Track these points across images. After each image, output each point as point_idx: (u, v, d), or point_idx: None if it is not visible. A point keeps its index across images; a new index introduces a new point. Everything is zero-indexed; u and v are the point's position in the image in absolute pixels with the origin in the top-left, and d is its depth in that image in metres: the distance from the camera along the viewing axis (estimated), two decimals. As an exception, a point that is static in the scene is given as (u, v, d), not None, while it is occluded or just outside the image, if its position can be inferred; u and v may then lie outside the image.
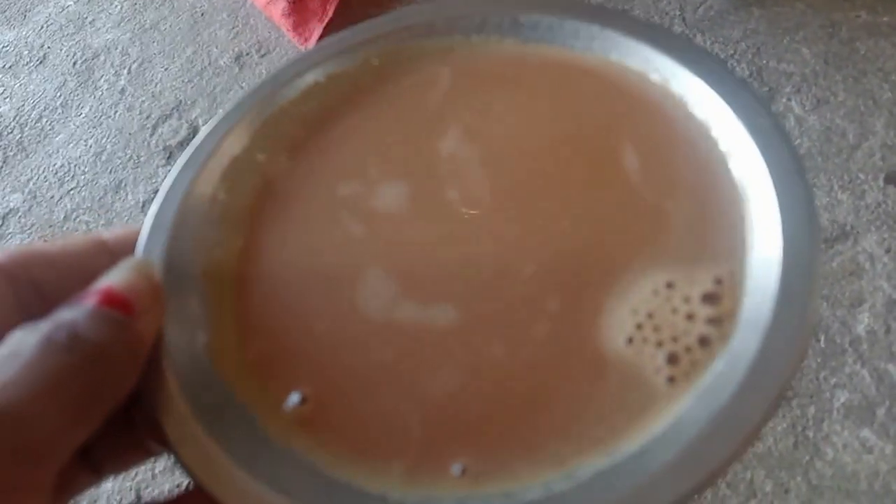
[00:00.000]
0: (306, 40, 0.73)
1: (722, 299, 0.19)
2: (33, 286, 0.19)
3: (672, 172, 0.22)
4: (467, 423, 0.19)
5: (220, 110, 0.25)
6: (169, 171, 0.24)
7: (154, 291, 0.19)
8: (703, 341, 0.19)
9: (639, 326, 0.19)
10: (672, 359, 0.19)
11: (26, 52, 0.84)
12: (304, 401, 0.20)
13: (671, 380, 0.18)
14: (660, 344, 0.19)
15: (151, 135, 0.72)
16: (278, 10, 0.73)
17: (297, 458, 0.19)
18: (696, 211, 0.21)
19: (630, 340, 0.19)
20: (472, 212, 0.23)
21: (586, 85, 0.24)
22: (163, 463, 0.51)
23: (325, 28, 0.73)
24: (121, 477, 0.51)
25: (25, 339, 0.16)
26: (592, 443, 0.18)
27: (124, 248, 0.21)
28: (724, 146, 0.22)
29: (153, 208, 0.22)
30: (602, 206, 0.22)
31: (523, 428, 0.19)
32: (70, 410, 0.16)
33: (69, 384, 0.16)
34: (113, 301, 0.18)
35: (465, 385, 0.20)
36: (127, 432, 0.20)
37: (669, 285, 0.20)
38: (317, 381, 0.20)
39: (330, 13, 0.73)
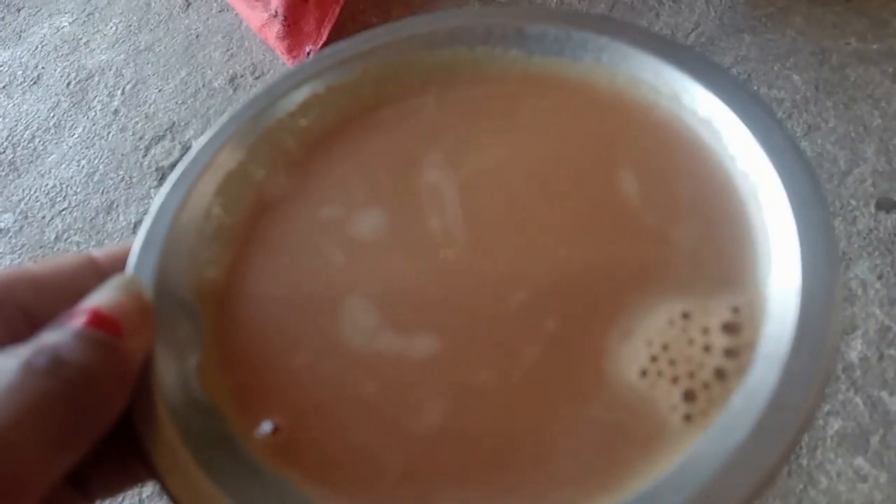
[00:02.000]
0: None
1: (740, 330, 0.18)
2: (20, 309, 0.19)
3: (679, 194, 0.21)
4: (454, 462, 0.18)
5: (215, 122, 0.24)
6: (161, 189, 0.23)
7: (143, 311, 0.19)
8: (720, 375, 0.18)
9: (653, 359, 0.19)
10: (689, 396, 0.18)
11: (20, 73, 0.84)
12: (275, 430, 0.19)
13: (687, 418, 0.18)
14: (675, 380, 0.18)
15: (144, 156, 0.72)
16: (273, 32, 0.74)
17: (288, 491, 0.18)
18: (706, 236, 0.20)
19: (644, 373, 0.18)
20: (461, 238, 0.22)
21: (590, 103, 0.24)
22: (150, 488, 0.50)
23: (319, 52, 0.73)
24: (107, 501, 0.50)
25: (5, 365, 0.16)
26: (597, 483, 0.17)
27: (115, 266, 0.21)
28: (739, 165, 0.21)
29: (145, 224, 0.22)
30: (604, 231, 0.21)
31: (515, 466, 0.18)
32: (53, 437, 0.15)
33: (51, 410, 0.15)
34: (100, 322, 0.17)
35: (450, 419, 0.19)
36: (116, 456, 0.19)
37: (685, 315, 0.19)
38: (291, 413, 0.20)
39: (324, 36, 0.73)
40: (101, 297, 0.18)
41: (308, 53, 0.73)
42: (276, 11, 0.72)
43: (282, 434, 0.19)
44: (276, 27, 0.73)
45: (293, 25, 0.73)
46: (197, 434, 0.18)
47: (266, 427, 0.19)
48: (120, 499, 0.51)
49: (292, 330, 0.21)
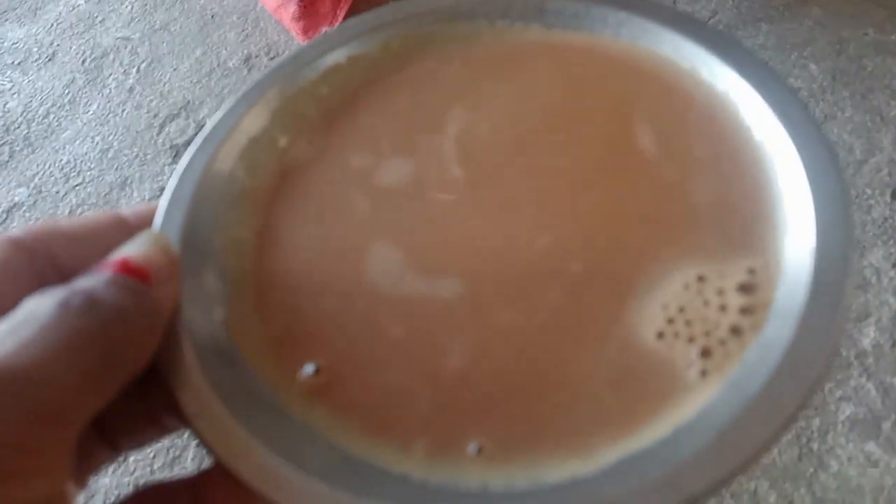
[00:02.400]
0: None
1: (756, 290, 0.19)
2: (51, 261, 0.19)
3: (696, 153, 0.22)
4: (478, 402, 0.19)
5: (240, 89, 0.24)
6: (177, 164, 0.23)
7: (171, 263, 0.19)
8: (735, 331, 0.18)
9: (670, 321, 0.19)
10: (705, 352, 0.18)
11: (36, 49, 0.84)
12: (317, 371, 0.20)
13: (703, 373, 0.18)
14: (692, 339, 0.19)
15: (158, 133, 0.72)
16: (288, 13, 0.74)
17: (315, 434, 0.19)
18: (722, 197, 0.21)
19: (661, 335, 0.19)
20: (485, 187, 0.22)
21: (609, 70, 0.24)
22: (161, 458, 0.51)
23: (342, 23, 0.73)
24: (118, 472, 0.51)
25: (42, 303, 0.16)
26: (616, 428, 0.18)
27: (142, 224, 0.21)
28: (756, 135, 0.21)
29: (171, 184, 0.22)
30: (624, 183, 0.22)
31: (540, 406, 0.18)
32: (87, 373, 0.16)
33: (86, 347, 0.16)
34: (129, 270, 0.18)
35: (474, 360, 0.19)
36: (143, 407, 0.20)
37: (701, 279, 0.19)
38: (329, 354, 0.20)
39: (340, 17, 0.73)
40: (131, 249, 0.19)
41: None
42: None
43: (323, 375, 0.20)
44: (292, 8, 0.73)
45: (309, 6, 0.73)
46: (225, 382, 0.19)
47: (308, 369, 0.20)
48: (131, 468, 0.51)
49: (321, 276, 0.21)
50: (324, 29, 0.73)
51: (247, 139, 0.24)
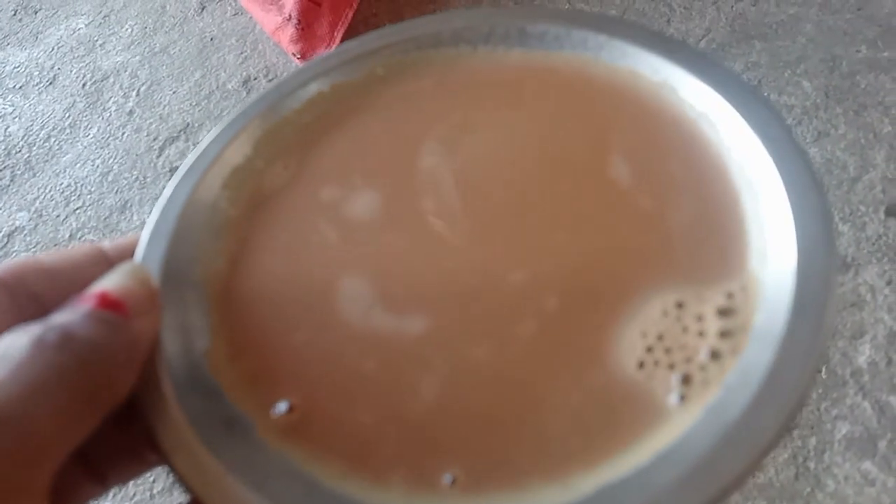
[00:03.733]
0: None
1: (735, 313, 0.19)
2: (32, 297, 0.19)
3: (674, 181, 0.21)
4: (454, 433, 0.19)
5: (224, 118, 0.25)
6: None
7: (150, 296, 0.19)
8: (715, 356, 0.18)
9: (649, 349, 0.19)
10: (685, 379, 0.18)
11: (37, 73, 0.85)
12: (291, 409, 0.20)
13: (683, 400, 0.18)
14: (671, 366, 0.19)
15: (158, 156, 0.73)
16: (286, 36, 0.75)
17: (292, 469, 0.19)
18: (700, 222, 0.21)
19: (641, 364, 0.19)
20: (457, 220, 0.22)
21: (589, 94, 0.24)
22: (161, 483, 0.51)
23: (326, 51, 0.73)
24: (118, 497, 0.51)
25: (17, 340, 0.16)
26: (596, 455, 0.18)
27: (123, 256, 0.21)
28: (736, 155, 0.21)
29: (153, 216, 0.22)
30: (600, 216, 0.21)
31: (513, 437, 0.18)
32: (63, 410, 0.16)
33: (61, 383, 0.16)
34: (107, 303, 0.18)
35: (446, 394, 0.19)
36: (126, 441, 0.20)
37: (679, 305, 0.19)
38: (303, 391, 0.20)
39: (338, 40, 0.74)
40: (109, 282, 0.19)
41: None
42: (290, 15, 0.73)
43: (297, 412, 0.20)
44: (290, 31, 0.74)
45: (306, 29, 0.73)
46: (203, 415, 0.19)
47: (282, 406, 0.20)
48: (131, 493, 0.51)
49: (292, 310, 0.21)
50: (322, 50, 0.73)
51: (230, 169, 0.24)
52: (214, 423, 0.19)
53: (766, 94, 0.64)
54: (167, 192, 0.23)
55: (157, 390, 0.19)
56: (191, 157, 0.24)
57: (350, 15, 0.74)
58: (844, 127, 0.61)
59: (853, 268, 0.53)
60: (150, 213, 0.23)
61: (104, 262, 0.21)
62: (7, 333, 0.16)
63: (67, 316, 0.17)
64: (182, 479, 0.18)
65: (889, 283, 0.52)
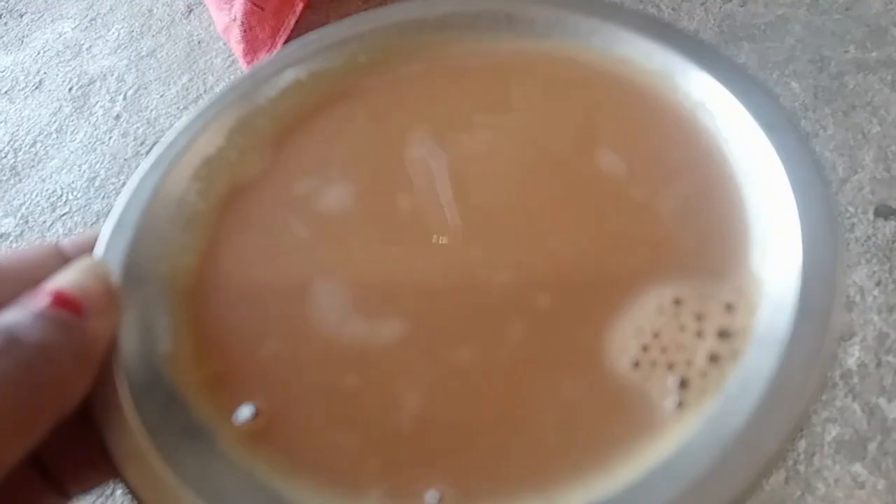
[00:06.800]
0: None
1: (735, 313, 0.18)
2: None
3: (671, 175, 0.20)
4: (437, 446, 0.18)
5: (194, 107, 0.24)
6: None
7: (108, 294, 0.18)
8: (714, 358, 0.17)
9: (645, 348, 0.18)
10: (683, 383, 0.17)
11: (23, 78, 0.84)
12: (256, 415, 0.19)
13: (681, 405, 0.17)
14: (668, 367, 0.17)
15: (145, 161, 0.72)
16: (233, 36, 0.75)
17: (258, 483, 0.18)
18: (700, 218, 0.19)
19: (636, 364, 0.18)
20: (440, 220, 0.21)
21: (579, 82, 0.23)
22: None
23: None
24: (105, 507, 0.50)
25: None
26: (588, 469, 0.17)
27: (82, 254, 0.20)
28: (735, 147, 0.20)
29: (115, 209, 0.21)
30: (593, 212, 0.20)
31: (500, 449, 0.17)
32: (6, 419, 0.15)
33: (4, 389, 0.15)
34: (61, 302, 0.17)
35: (429, 404, 0.18)
36: (87, 450, 0.19)
37: (677, 302, 0.18)
38: (269, 396, 0.19)
39: (279, 45, 0.74)
40: (64, 278, 0.17)
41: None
42: (236, 16, 0.73)
43: (262, 418, 0.19)
44: (235, 31, 0.74)
45: (249, 31, 0.74)
46: (162, 424, 0.18)
47: (246, 411, 0.19)
48: (119, 502, 0.51)
49: (263, 315, 0.20)
50: (263, 54, 0.73)
51: (201, 160, 0.22)
52: (173, 431, 0.18)
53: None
54: (132, 183, 0.21)
55: (112, 396, 0.17)
56: (159, 147, 0.22)
57: (293, 21, 0.74)
58: (833, 128, 0.61)
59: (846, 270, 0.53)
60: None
61: (62, 262, 0.19)
62: None
63: (14, 315, 0.16)
64: (134, 493, 0.17)
65: (878, 284, 0.52)
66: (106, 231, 0.21)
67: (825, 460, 0.46)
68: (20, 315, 0.16)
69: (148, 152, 0.72)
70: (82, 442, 0.18)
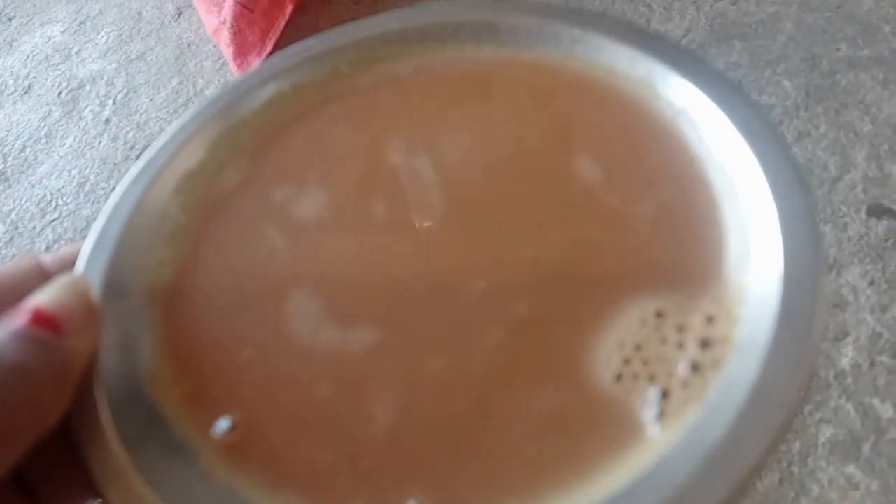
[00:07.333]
0: (244, 71, 0.74)
1: (717, 322, 0.18)
2: None
3: (651, 184, 0.20)
4: (414, 457, 0.18)
5: (177, 121, 0.23)
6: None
7: (88, 311, 0.18)
8: (695, 368, 0.17)
9: (626, 361, 0.18)
10: (665, 394, 0.17)
11: (11, 82, 0.84)
12: (233, 427, 0.19)
13: (662, 415, 0.17)
14: (649, 379, 0.17)
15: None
16: (223, 39, 0.75)
17: (239, 499, 0.17)
18: (679, 224, 0.19)
19: (619, 377, 0.18)
20: (417, 227, 0.21)
21: (561, 90, 0.23)
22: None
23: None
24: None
25: None
26: (564, 482, 0.16)
27: (63, 269, 0.20)
28: (717, 153, 0.20)
29: (97, 224, 0.21)
30: (573, 221, 0.20)
31: (479, 459, 0.17)
32: None
33: None
34: (40, 320, 0.17)
35: (403, 413, 0.18)
36: (66, 467, 0.19)
37: (659, 314, 0.18)
38: (246, 409, 0.19)
39: (269, 47, 0.73)
40: (44, 296, 0.17)
41: (251, 63, 0.73)
42: (225, 19, 0.73)
43: (240, 430, 0.19)
44: (225, 33, 0.74)
45: (239, 34, 0.73)
46: (142, 442, 0.18)
47: (223, 424, 0.19)
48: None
49: (239, 327, 0.20)
50: (253, 57, 0.73)
51: (183, 173, 0.23)
52: (154, 448, 0.18)
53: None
54: (114, 197, 0.22)
55: (92, 413, 0.18)
56: (141, 161, 0.22)
57: (282, 24, 0.74)
58: (825, 126, 0.60)
59: (835, 269, 0.53)
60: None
61: (42, 277, 0.19)
62: None
63: None
64: None
65: (871, 283, 0.52)
66: (87, 246, 0.20)
67: (819, 461, 0.46)
68: None
69: (138, 157, 0.72)
70: (64, 460, 0.18)
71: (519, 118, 0.23)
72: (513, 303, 0.19)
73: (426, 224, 0.21)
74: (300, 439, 0.18)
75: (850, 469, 0.45)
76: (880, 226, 0.54)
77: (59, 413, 0.17)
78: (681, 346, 0.18)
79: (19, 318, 0.17)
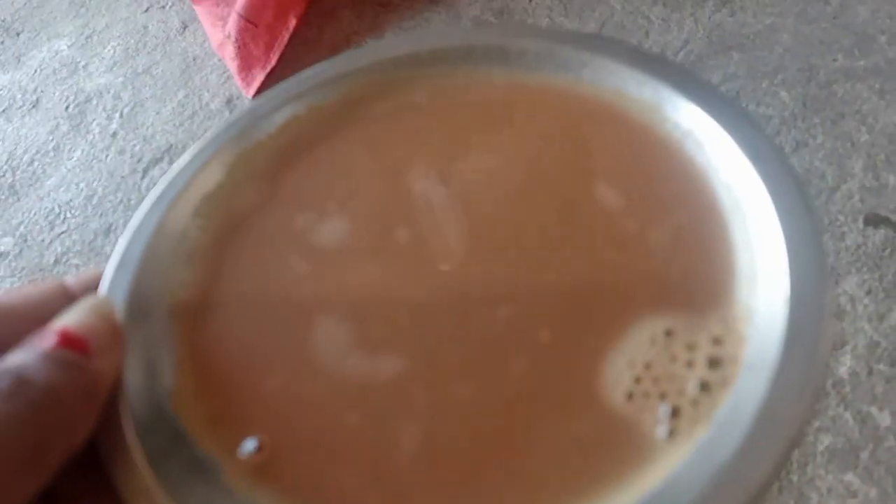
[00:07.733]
0: (248, 85, 0.75)
1: (724, 342, 0.18)
2: None
3: (662, 206, 0.21)
4: (438, 482, 0.18)
5: (196, 143, 0.24)
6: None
7: (113, 332, 0.18)
8: (704, 387, 0.18)
9: (637, 380, 0.18)
10: (674, 412, 0.18)
11: (20, 96, 0.85)
12: (259, 448, 0.19)
13: (672, 434, 0.17)
14: (659, 397, 0.18)
15: (142, 178, 0.73)
16: (227, 52, 0.76)
17: None
18: (690, 247, 0.20)
19: (630, 396, 0.18)
20: (440, 254, 0.21)
21: (572, 113, 0.23)
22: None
23: (267, 75, 0.74)
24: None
25: None
26: (581, 501, 0.17)
27: (87, 291, 0.21)
28: (724, 176, 0.20)
29: (119, 246, 0.22)
30: (588, 246, 0.21)
31: (500, 484, 0.18)
32: (17, 460, 0.15)
33: (14, 432, 0.15)
34: (67, 342, 0.17)
35: (432, 439, 0.18)
36: (90, 483, 0.19)
37: (669, 333, 0.19)
38: (272, 431, 0.19)
39: (273, 60, 0.74)
40: (70, 318, 0.18)
41: (255, 76, 0.75)
42: (230, 33, 0.74)
43: (265, 452, 0.19)
44: (230, 47, 0.75)
45: (243, 48, 0.74)
46: (167, 460, 0.18)
47: (250, 445, 0.19)
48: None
49: (264, 350, 0.21)
50: (258, 70, 0.74)
51: (202, 196, 0.23)
52: (178, 467, 0.18)
53: (744, 105, 0.64)
54: (135, 220, 0.22)
55: (117, 432, 0.18)
56: (161, 184, 0.23)
57: (286, 37, 0.75)
58: (822, 136, 0.61)
59: (833, 278, 0.53)
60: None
61: (67, 300, 0.20)
62: None
63: (22, 357, 0.16)
64: None
65: (869, 292, 0.53)
66: (110, 268, 0.21)
67: (818, 470, 0.46)
68: (28, 356, 0.16)
69: (145, 169, 0.73)
70: (90, 479, 0.19)
71: (537, 142, 0.23)
72: (536, 328, 0.20)
73: (449, 251, 0.21)
74: (326, 463, 0.19)
75: (849, 477, 0.46)
76: (877, 235, 0.55)
77: (87, 433, 0.17)
78: (690, 364, 0.18)
79: (47, 339, 0.17)
